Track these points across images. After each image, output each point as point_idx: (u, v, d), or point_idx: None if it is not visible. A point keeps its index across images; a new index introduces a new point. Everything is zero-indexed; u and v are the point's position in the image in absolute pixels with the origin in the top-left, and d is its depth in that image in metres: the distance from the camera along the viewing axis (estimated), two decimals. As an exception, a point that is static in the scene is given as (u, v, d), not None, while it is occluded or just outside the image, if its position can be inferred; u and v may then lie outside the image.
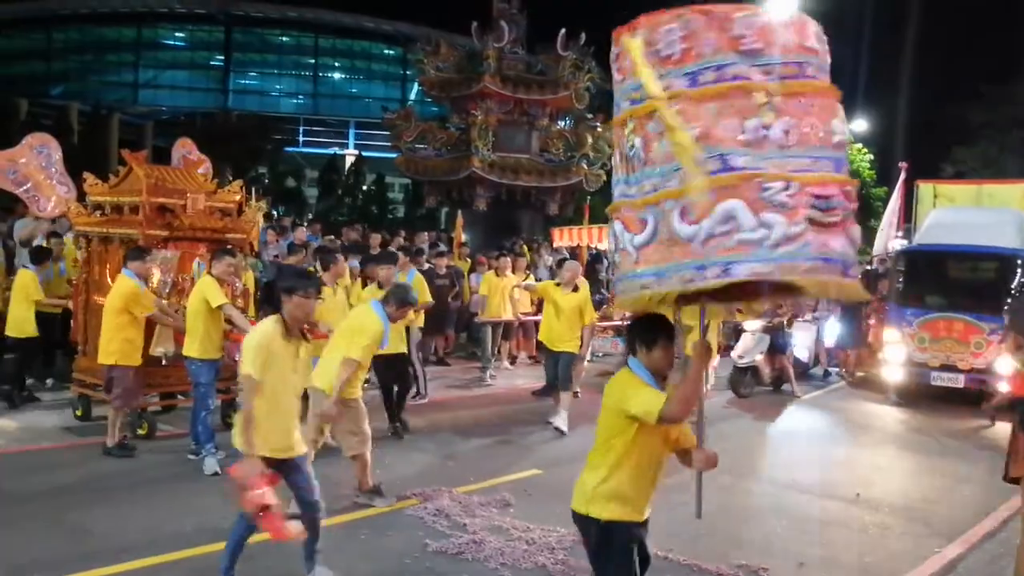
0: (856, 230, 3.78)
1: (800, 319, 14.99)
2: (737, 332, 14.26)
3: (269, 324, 5.31)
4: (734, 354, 13.70)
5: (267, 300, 10.18)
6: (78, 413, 9.47)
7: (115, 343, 8.32)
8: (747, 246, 3.55)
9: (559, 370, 10.48)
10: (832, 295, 4.34)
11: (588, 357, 12.88)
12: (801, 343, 15.17)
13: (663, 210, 3.72)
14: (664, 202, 3.72)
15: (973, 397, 12.40)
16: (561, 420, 10.21)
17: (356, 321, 7.23)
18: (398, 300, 7.32)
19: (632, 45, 3.81)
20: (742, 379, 13.49)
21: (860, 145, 36.26)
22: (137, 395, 8.63)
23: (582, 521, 4.22)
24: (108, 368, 8.42)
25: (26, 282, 10.18)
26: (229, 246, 9.04)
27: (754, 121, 3.62)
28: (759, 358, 13.51)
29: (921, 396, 13.42)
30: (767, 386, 13.89)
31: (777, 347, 13.70)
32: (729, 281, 3.58)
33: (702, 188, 3.59)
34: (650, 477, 4.19)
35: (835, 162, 3.75)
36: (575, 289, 10.46)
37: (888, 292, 14.46)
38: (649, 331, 4.16)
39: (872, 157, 37.00)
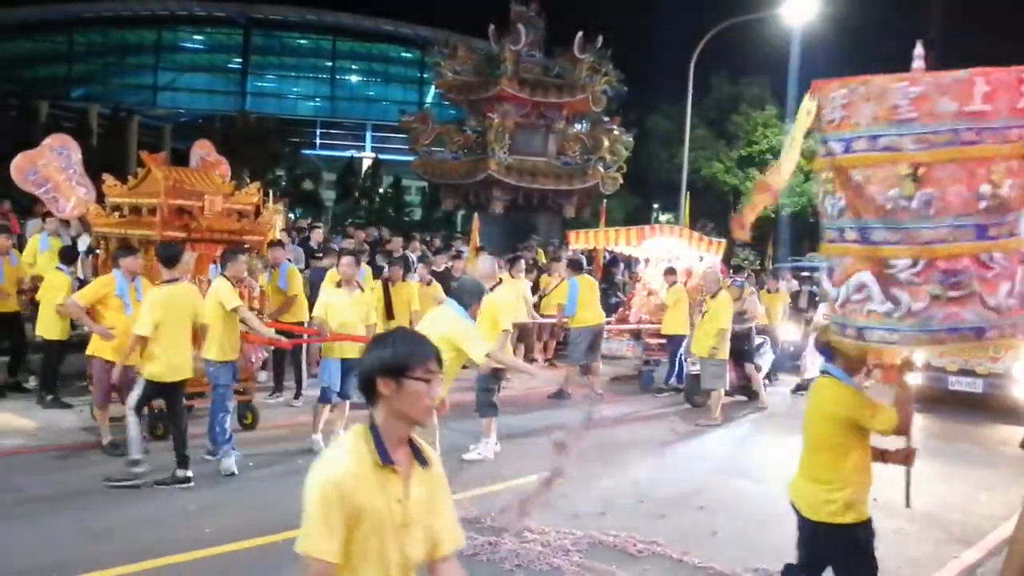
0: (1004, 288, 3.84)
1: None
2: None
3: (341, 454, 2.56)
4: (688, 359, 12.75)
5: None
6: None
7: (91, 335, 8.54)
8: (878, 315, 3.92)
9: (477, 387, 9.54)
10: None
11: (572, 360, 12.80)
12: None
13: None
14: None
15: (991, 402, 12.29)
16: (482, 448, 9.20)
17: (458, 326, 7.02)
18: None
19: (804, 107, 4.06)
20: (696, 387, 12.28)
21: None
22: (107, 390, 8.43)
23: (840, 531, 4.52)
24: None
25: (57, 284, 10.03)
26: (247, 246, 9.07)
27: (895, 191, 3.78)
28: None
29: (939, 401, 13.32)
30: (728, 395, 12.52)
31: (743, 355, 12.70)
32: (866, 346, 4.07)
33: (831, 252, 4.09)
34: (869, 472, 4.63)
35: (978, 228, 3.77)
36: (491, 290, 9.15)
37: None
38: None
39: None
